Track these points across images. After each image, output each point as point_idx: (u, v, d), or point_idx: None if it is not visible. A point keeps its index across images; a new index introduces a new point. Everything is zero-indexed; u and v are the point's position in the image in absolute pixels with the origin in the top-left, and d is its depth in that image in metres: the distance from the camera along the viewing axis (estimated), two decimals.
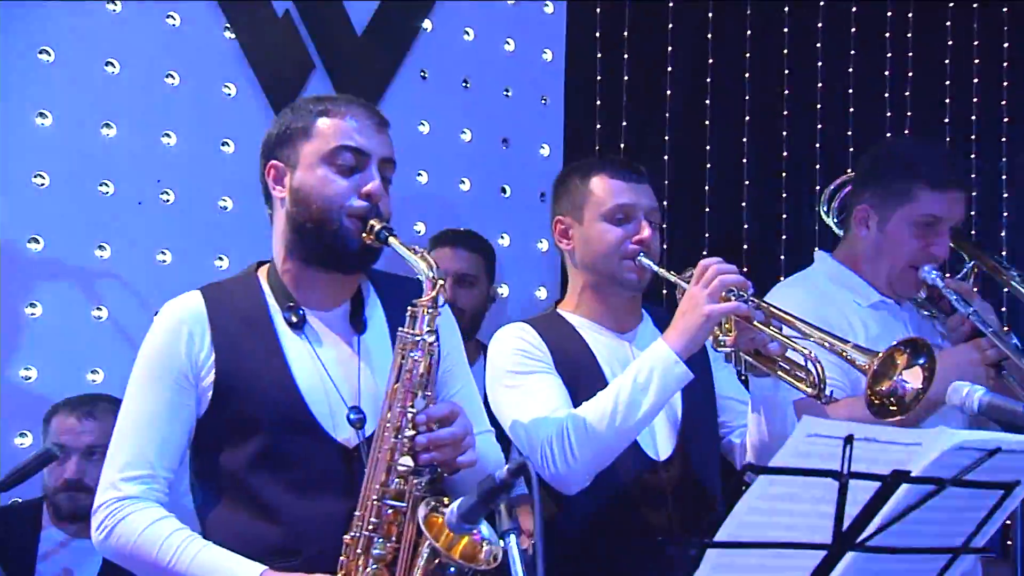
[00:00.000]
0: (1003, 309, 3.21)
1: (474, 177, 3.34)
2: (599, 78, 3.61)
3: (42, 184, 2.83)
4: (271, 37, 3.05)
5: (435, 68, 3.29)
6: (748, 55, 3.95)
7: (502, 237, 3.33)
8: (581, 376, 1.77)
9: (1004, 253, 3.96)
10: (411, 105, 3.23)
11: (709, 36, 3.87)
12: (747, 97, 3.93)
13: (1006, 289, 2.25)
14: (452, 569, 1.33)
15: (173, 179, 2.94)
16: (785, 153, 3.85)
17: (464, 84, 3.37)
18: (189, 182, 2.96)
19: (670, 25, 3.80)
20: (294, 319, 1.47)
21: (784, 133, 3.88)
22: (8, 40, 2.82)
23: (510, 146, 3.41)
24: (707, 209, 3.72)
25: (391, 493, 1.37)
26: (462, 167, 3.33)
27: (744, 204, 3.77)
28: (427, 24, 3.25)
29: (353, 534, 1.37)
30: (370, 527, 1.37)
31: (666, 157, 3.63)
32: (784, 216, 3.85)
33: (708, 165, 3.75)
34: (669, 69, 3.80)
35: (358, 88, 2.94)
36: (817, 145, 3.89)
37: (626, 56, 3.67)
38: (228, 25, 3.01)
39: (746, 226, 3.76)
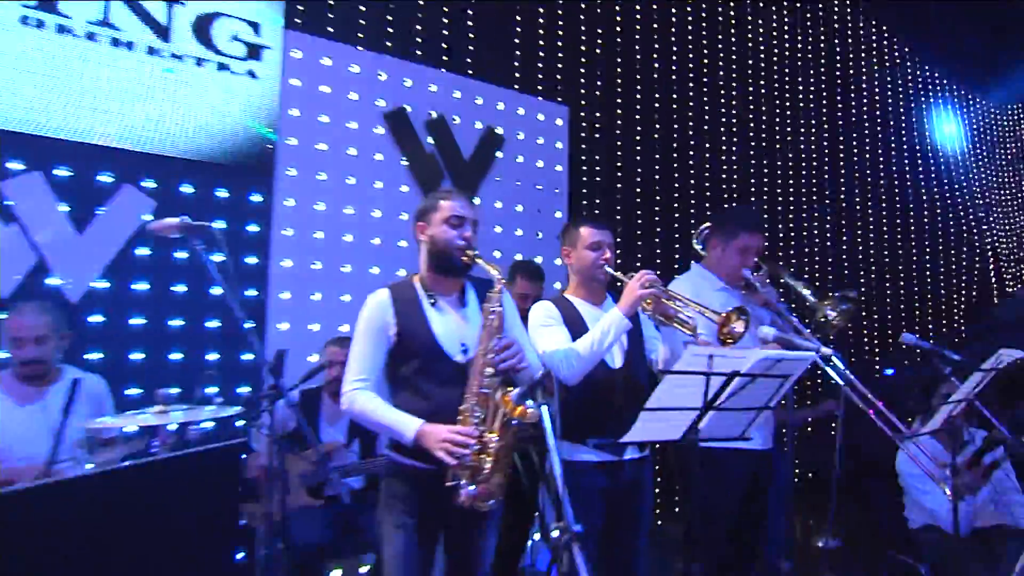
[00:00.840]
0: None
1: (526, 229, 4.80)
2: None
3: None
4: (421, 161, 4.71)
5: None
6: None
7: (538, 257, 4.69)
8: (575, 327, 2.69)
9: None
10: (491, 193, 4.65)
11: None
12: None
13: (782, 279, 3.17)
14: (514, 421, 2.11)
15: (379, 230, 4.38)
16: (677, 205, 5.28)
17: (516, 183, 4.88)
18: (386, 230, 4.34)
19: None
20: (432, 301, 2.37)
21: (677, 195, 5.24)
22: None
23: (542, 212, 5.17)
24: (639, 243, 5.40)
25: (483, 385, 2.21)
26: (517, 224, 4.87)
27: (659, 237, 5.30)
28: (499, 154, 4.92)
29: (464, 406, 2.22)
30: (473, 402, 2.21)
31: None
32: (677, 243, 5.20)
33: (639, 216, 5.09)
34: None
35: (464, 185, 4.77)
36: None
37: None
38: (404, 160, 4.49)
39: (658, 250, 5.39)
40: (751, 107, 6.90)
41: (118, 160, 3.75)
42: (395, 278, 4.18)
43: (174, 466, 1.26)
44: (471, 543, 2.35)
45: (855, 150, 8.07)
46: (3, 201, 3.45)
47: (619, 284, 2.67)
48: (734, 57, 6.77)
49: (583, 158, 5.60)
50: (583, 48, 5.70)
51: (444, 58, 4.86)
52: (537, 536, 3.79)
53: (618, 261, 3.08)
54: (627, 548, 2.61)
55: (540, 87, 5.40)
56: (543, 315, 2.69)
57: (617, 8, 5.90)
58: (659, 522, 5.17)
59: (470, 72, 5.01)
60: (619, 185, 5.77)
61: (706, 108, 6.45)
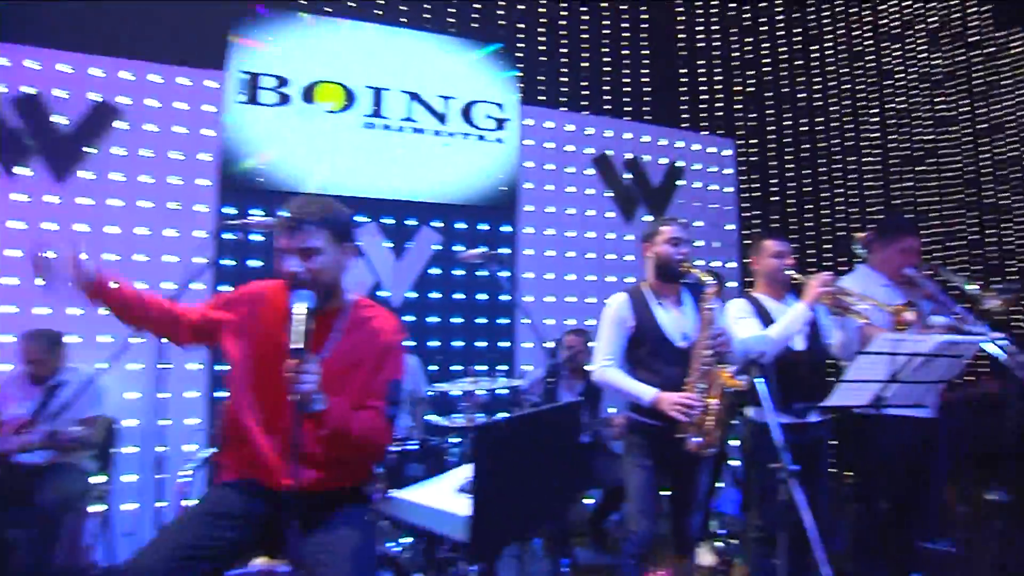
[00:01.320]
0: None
1: (707, 239, 5.00)
2: None
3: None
4: (622, 192, 4.50)
5: None
6: None
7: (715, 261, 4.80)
8: (763, 318, 2.67)
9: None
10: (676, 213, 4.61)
11: None
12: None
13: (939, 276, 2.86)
14: (729, 389, 2.28)
15: (594, 247, 4.73)
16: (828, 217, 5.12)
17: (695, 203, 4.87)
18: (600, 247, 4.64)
19: None
20: (658, 301, 2.54)
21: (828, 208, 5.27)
22: None
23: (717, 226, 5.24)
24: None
25: (704, 363, 2.38)
26: (698, 236, 5.05)
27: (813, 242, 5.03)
28: (681, 182, 4.84)
29: (689, 379, 2.40)
30: (696, 376, 2.39)
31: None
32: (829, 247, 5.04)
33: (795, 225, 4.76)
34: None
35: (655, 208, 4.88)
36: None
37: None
38: (609, 192, 4.83)
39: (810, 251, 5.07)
40: (892, 122, 6.34)
41: (418, 209, 4.33)
42: (596, 284, 4.71)
43: (553, 412, 1.73)
44: (693, 480, 2.48)
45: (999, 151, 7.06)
46: (355, 242, 4.11)
47: (794, 283, 2.67)
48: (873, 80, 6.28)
49: (753, 183, 5.51)
50: (745, 88, 5.61)
51: (627, 109, 5.05)
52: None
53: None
54: (817, 490, 2.64)
55: (706, 125, 5.41)
56: (738, 310, 2.76)
57: (768, 49, 5.73)
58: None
59: (649, 118, 5.14)
60: (777, 199, 5.61)
61: (847, 127, 6.05)
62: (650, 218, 4.89)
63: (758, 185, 5.57)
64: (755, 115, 5.66)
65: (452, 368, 4.16)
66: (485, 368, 3.71)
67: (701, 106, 5.48)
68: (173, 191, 3.93)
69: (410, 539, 2.65)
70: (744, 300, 2.80)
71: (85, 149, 3.78)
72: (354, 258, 1.81)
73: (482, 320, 4.44)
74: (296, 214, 1.71)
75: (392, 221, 4.29)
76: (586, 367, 3.81)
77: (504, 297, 4.51)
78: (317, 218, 1.72)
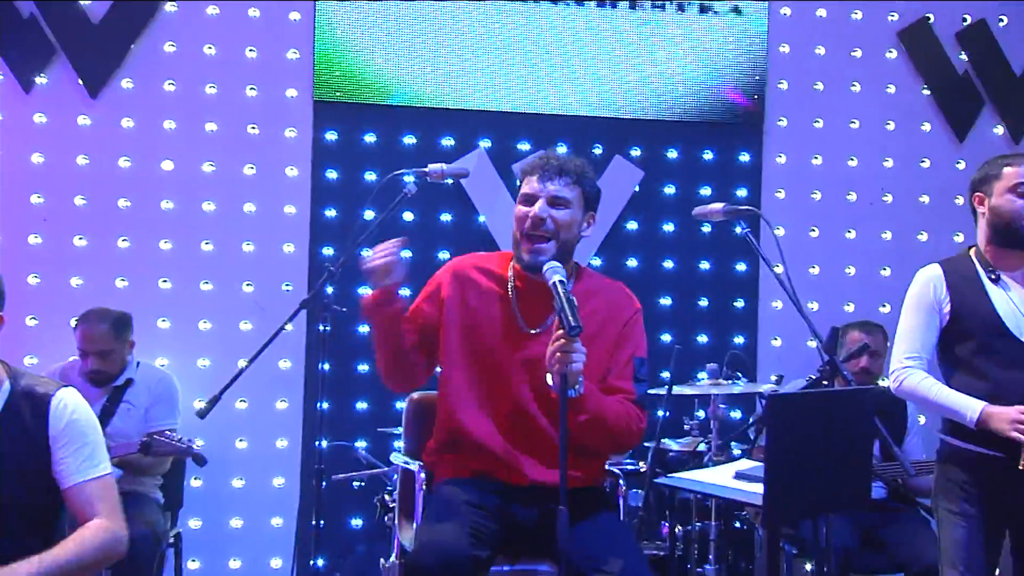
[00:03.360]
0: None
1: None
2: None
3: None
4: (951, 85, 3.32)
5: None
6: None
7: None
8: None
9: None
10: None
11: None
12: None
13: None
14: None
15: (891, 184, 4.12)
16: None
17: None
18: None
19: None
20: (993, 277, 2.38)
21: None
22: None
23: None
24: None
25: None
26: None
27: None
28: None
29: None
30: None
31: None
32: None
33: None
34: None
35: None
36: None
37: None
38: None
39: None
40: None
41: (606, 129, 3.86)
42: (894, 248, 3.99)
43: (849, 395, 2.08)
44: None
45: None
46: (515, 181, 3.66)
47: None
48: None
49: None
50: None
51: None
52: None
53: None
54: None
55: None
56: None
57: None
58: None
59: None
60: None
61: None
62: (1001, 131, 4.05)
63: None
64: None
65: (660, 373, 3.72)
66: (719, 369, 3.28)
67: None
68: (250, 108, 3.62)
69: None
70: None
71: (127, 47, 3.52)
72: (592, 230, 2.19)
73: (704, 302, 3.90)
74: (557, 161, 2.14)
75: (565, 149, 3.79)
76: (881, 380, 3.39)
77: (740, 267, 3.88)
78: (576, 173, 2.14)
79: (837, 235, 3.98)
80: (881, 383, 3.45)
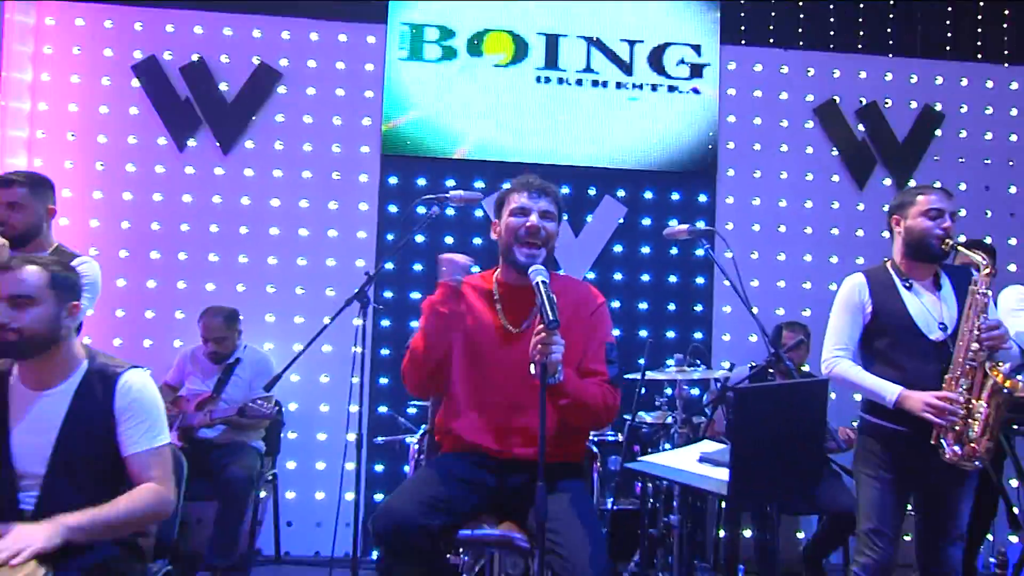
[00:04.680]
0: None
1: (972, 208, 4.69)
2: None
3: None
4: (852, 149, 4.60)
5: None
6: None
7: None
8: None
9: None
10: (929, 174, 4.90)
11: None
12: None
13: None
14: (1005, 390, 2.50)
15: (812, 220, 5.03)
16: None
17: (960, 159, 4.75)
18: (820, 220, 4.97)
19: None
20: (907, 284, 2.75)
21: None
22: None
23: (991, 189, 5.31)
24: None
25: (968, 358, 2.59)
26: (960, 203, 4.80)
27: None
28: (938, 132, 4.74)
29: (949, 376, 2.62)
30: (958, 372, 2.61)
31: None
32: None
33: None
34: None
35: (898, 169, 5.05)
36: None
37: None
38: (834, 150, 4.82)
39: None
40: None
41: (599, 176, 4.95)
42: (815, 267, 5.04)
43: (803, 387, 2.28)
44: (947, 502, 2.64)
45: None
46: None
47: None
48: None
49: None
50: None
51: (861, 36, 5.14)
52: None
53: None
54: None
55: (981, 52, 5.30)
56: (1015, 299, 3.02)
57: None
58: None
59: (900, 51, 5.19)
60: None
61: None
62: (889, 182, 5.14)
63: None
64: None
65: (637, 361, 4.62)
66: (683, 358, 4.00)
67: (970, 29, 5.33)
68: (334, 160, 4.84)
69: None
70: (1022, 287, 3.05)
71: (250, 118, 4.78)
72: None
73: (672, 306, 4.96)
74: (539, 182, 2.46)
75: (568, 191, 4.91)
76: (803, 367, 4.27)
77: (699, 280, 4.99)
78: (555, 194, 2.49)
79: (771, 257, 5.04)
80: (804, 368, 4.33)
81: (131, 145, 4.71)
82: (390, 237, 4.79)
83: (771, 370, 3.37)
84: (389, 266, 4.66)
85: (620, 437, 3.89)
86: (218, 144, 4.75)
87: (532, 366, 2.07)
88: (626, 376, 4.04)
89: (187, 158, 4.73)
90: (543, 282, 2.10)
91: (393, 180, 4.83)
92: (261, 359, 4.41)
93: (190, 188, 4.72)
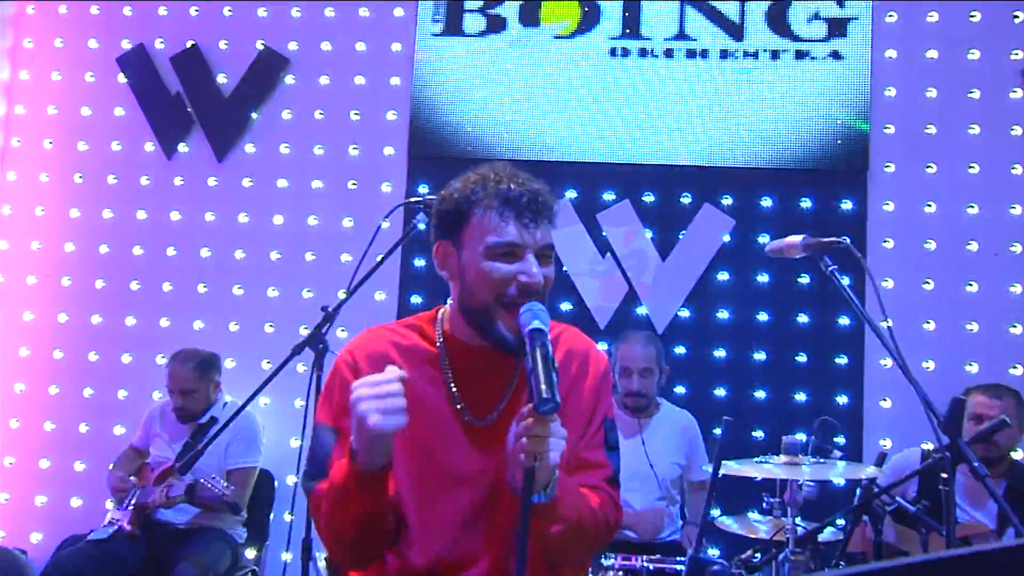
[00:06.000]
0: None
1: None
2: None
3: None
4: None
5: None
6: None
7: None
8: None
9: None
10: None
11: None
12: None
13: None
14: None
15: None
16: None
17: None
18: None
19: None
20: None
21: None
22: None
23: None
24: None
25: None
26: None
27: None
28: None
29: None
30: None
31: None
32: None
33: None
34: None
35: None
36: None
37: None
38: None
39: None
40: None
41: (696, 179, 3.86)
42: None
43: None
44: None
45: None
46: (601, 232, 3.80)
47: None
48: None
49: None
50: None
51: None
52: None
53: None
54: None
55: None
56: None
57: None
58: None
59: None
60: None
61: None
62: None
63: None
64: None
65: (753, 434, 3.62)
66: (807, 438, 2.85)
67: None
68: (351, 165, 3.99)
69: None
70: None
71: (251, 116, 4.02)
72: None
73: (802, 357, 3.72)
74: (530, 193, 1.51)
75: (652, 199, 3.84)
76: (1014, 454, 3.07)
77: (843, 321, 3.69)
78: (552, 209, 1.54)
79: (956, 288, 3.68)
80: (1014, 455, 3.14)
81: (114, 153, 4.06)
82: (420, 263, 3.84)
83: (944, 474, 2.08)
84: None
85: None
86: (212, 148, 3.99)
87: (519, 470, 1.36)
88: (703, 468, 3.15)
89: (176, 167, 4.02)
90: (540, 331, 1.36)
91: (424, 190, 3.90)
92: (243, 419, 3.51)
93: (178, 203, 4.00)
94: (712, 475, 2.49)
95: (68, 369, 3.91)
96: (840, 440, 3.52)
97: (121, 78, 4.07)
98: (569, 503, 1.45)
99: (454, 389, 1.54)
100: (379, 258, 2.67)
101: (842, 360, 3.70)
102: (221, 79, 4.02)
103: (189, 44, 4.03)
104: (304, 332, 3.76)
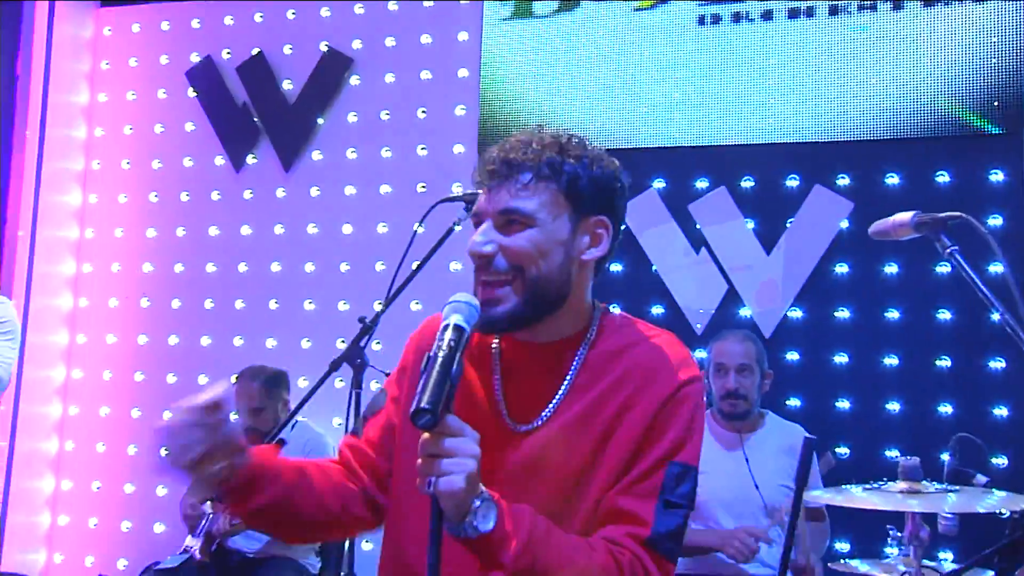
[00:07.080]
0: None
1: None
2: None
3: None
4: None
5: None
6: None
7: None
8: None
9: None
10: None
11: None
12: None
13: None
14: None
15: None
16: None
17: None
18: None
19: None
20: None
21: None
22: None
23: None
24: None
25: None
26: None
27: None
28: None
29: None
30: None
31: None
32: None
33: None
34: None
35: None
36: None
37: None
38: None
39: None
40: None
41: (806, 156, 3.44)
42: None
43: None
44: None
45: None
46: (694, 224, 3.49)
47: None
48: None
49: None
50: None
51: None
52: None
53: None
54: None
55: None
56: None
57: None
58: None
59: None
60: None
61: None
62: None
63: None
64: None
65: (886, 453, 3.17)
66: (948, 459, 2.52)
67: None
68: (420, 166, 3.80)
69: None
70: None
71: (316, 121, 3.92)
72: (605, 247, 1.34)
73: (945, 360, 3.22)
74: (506, 148, 1.30)
75: (752, 184, 3.45)
76: None
77: (996, 316, 3.12)
78: (540, 160, 1.29)
79: None
80: None
81: (186, 169, 4.07)
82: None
83: None
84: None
85: None
86: (279, 158, 3.92)
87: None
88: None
89: (245, 179, 3.99)
90: (457, 327, 1.14)
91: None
92: (312, 439, 3.40)
93: (248, 217, 3.96)
94: (793, 505, 2.17)
95: (149, 391, 3.92)
96: (999, 460, 3.04)
97: (191, 92, 4.07)
98: (520, 547, 1.13)
99: (498, 389, 1.38)
100: (414, 265, 2.43)
101: (998, 363, 3.16)
102: (287, 85, 3.96)
103: (255, 52, 3.97)
104: (377, 347, 3.66)
